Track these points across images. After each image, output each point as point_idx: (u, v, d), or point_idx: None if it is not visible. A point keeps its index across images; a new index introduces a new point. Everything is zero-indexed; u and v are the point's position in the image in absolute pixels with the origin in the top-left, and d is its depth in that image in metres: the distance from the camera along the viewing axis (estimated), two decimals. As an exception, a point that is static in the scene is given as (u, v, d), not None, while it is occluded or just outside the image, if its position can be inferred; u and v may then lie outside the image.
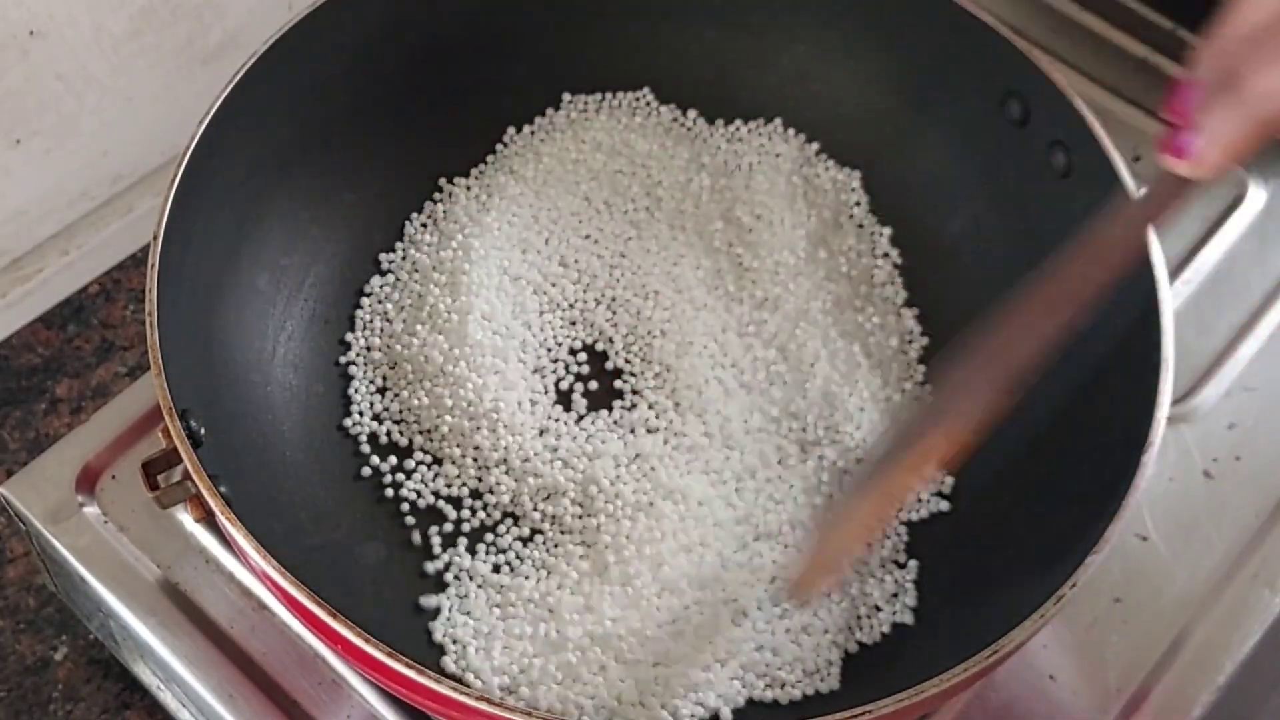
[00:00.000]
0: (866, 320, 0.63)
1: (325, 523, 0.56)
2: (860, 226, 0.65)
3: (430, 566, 0.56)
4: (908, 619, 0.55)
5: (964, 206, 0.64)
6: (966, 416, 0.46)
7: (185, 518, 0.59)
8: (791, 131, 0.67)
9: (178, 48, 0.72)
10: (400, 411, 0.60)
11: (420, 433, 0.59)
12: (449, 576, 0.56)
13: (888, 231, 0.65)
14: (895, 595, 0.56)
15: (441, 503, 0.57)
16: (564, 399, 0.61)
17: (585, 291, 0.64)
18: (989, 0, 0.63)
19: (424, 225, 0.65)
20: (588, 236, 0.65)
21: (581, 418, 0.60)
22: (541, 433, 0.59)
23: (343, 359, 0.61)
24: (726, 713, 0.52)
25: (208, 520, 0.51)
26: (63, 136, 0.71)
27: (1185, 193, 0.41)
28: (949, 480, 0.59)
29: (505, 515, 0.57)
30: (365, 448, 0.59)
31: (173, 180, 0.53)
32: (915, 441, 0.48)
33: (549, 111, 0.68)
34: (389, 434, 0.59)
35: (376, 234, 0.64)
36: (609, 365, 0.62)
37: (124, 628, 0.57)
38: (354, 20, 0.61)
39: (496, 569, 0.56)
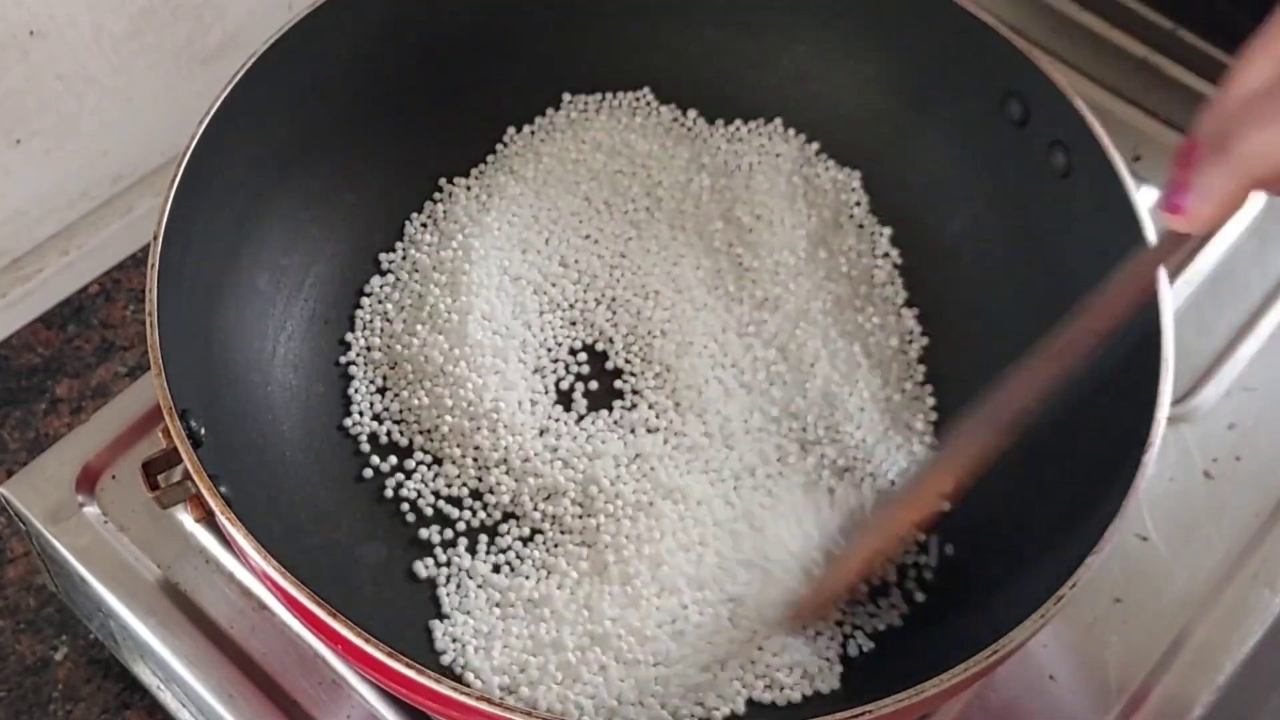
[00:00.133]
0: (866, 320, 0.63)
1: (325, 523, 0.56)
2: (860, 226, 0.65)
3: (430, 566, 0.56)
4: (907, 619, 0.55)
5: (964, 206, 0.64)
6: (968, 457, 0.49)
7: (185, 518, 0.59)
8: (791, 131, 0.67)
9: (178, 48, 0.73)
10: (400, 411, 0.60)
11: (420, 433, 0.59)
12: (449, 576, 0.56)
13: (888, 231, 0.65)
14: (895, 595, 0.56)
15: (441, 503, 0.57)
16: (564, 399, 0.61)
17: (585, 291, 0.64)
18: (989, 0, 0.63)
19: (424, 225, 0.65)
20: (588, 236, 0.65)
21: (581, 418, 0.60)
22: (541, 433, 0.59)
23: (343, 359, 0.61)
24: (726, 712, 0.52)
25: (208, 520, 0.51)
26: (63, 136, 0.71)
27: (1185, 246, 0.43)
28: (950, 480, 0.58)
29: (505, 515, 0.57)
30: (365, 448, 0.59)
31: (173, 180, 0.53)
32: (919, 481, 0.52)
33: (549, 111, 0.68)
34: (389, 434, 0.59)
35: (376, 234, 0.64)
36: (609, 365, 0.62)
37: (124, 628, 0.57)
38: (354, 20, 0.61)
39: (496, 569, 0.56)
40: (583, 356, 0.62)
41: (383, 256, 0.64)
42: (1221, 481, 0.62)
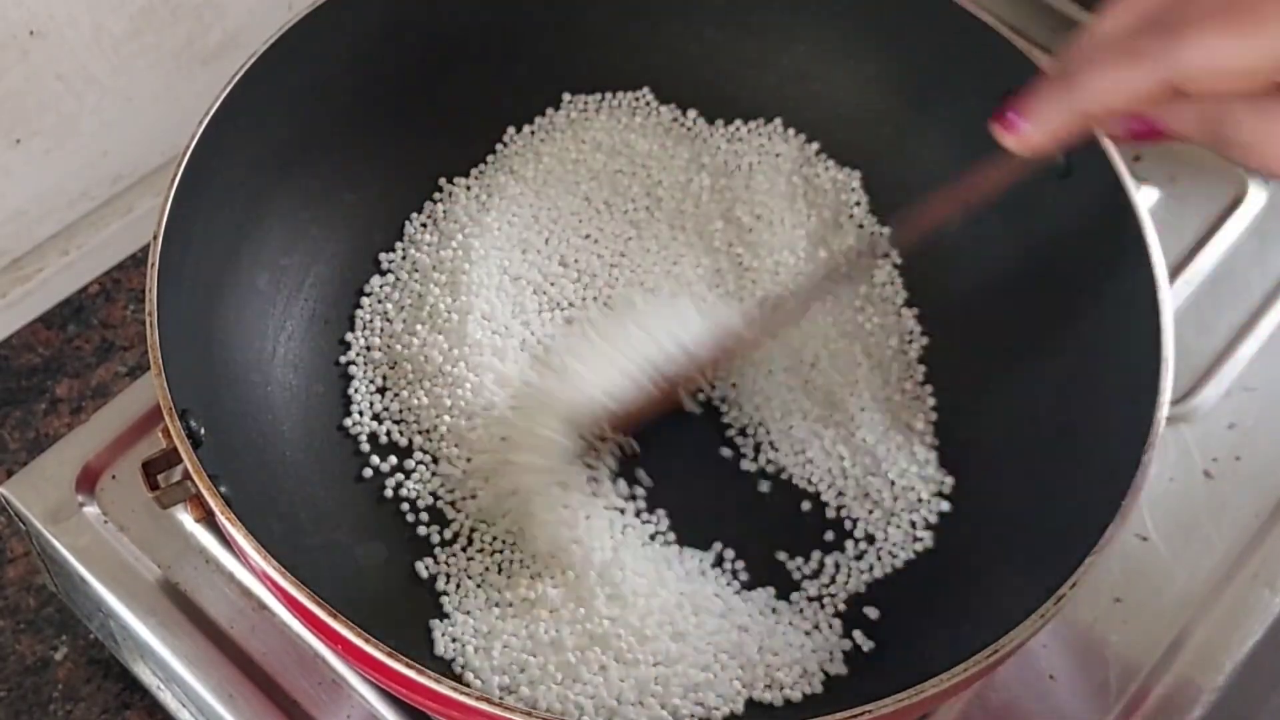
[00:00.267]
0: (866, 320, 0.63)
1: (325, 523, 0.56)
2: (860, 226, 0.65)
3: (430, 566, 0.56)
4: (907, 619, 0.55)
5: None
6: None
7: (185, 518, 0.59)
8: (791, 131, 0.67)
9: (178, 48, 0.72)
10: (400, 411, 0.60)
11: (420, 432, 0.59)
12: (448, 576, 0.56)
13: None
14: (895, 595, 0.56)
15: (441, 502, 0.57)
16: (564, 399, 0.61)
17: (585, 291, 0.64)
18: (989, 0, 0.63)
19: (424, 225, 0.65)
20: (588, 236, 0.65)
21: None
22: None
23: (343, 359, 0.61)
24: (726, 712, 0.52)
25: (208, 520, 0.51)
26: (63, 136, 0.71)
27: (1014, 166, 0.45)
28: (950, 480, 0.59)
29: (503, 515, 0.57)
30: (365, 447, 0.59)
31: (173, 180, 0.53)
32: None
33: (549, 111, 0.68)
34: (389, 434, 0.59)
35: (376, 234, 0.64)
36: (609, 365, 0.62)
37: (124, 628, 0.57)
38: (354, 20, 0.61)
39: (496, 569, 0.56)
40: (582, 356, 0.62)
41: (383, 256, 0.64)
42: (1221, 481, 0.62)
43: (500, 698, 0.51)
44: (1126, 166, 0.55)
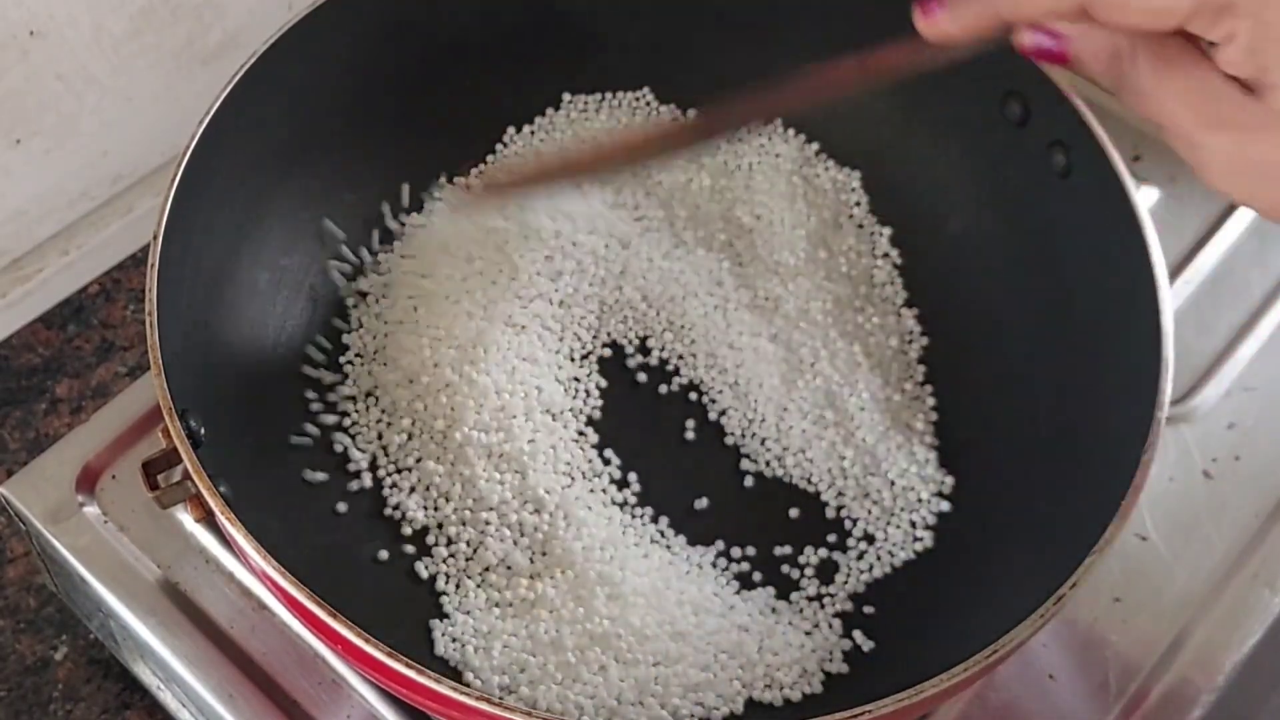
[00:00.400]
0: (866, 320, 0.63)
1: (325, 523, 0.56)
2: (860, 226, 0.65)
3: (429, 566, 0.56)
4: (907, 619, 0.55)
5: (964, 206, 0.64)
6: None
7: (185, 518, 0.59)
8: (791, 131, 0.67)
9: (178, 48, 0.72)
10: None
11: (415, 432, 0.59)
12: (448, 576, 0.56)
13: (888, 231, 0.65)
14: (895, 595, 0.56)
15: (440, 501, 0.57)
16: (561, 400, 0.60)
17: (585, 290, 0.63)
18: (989, 0, 0.63)
19: (424, 225, 0.65)
20: (591, 233, 0.65)
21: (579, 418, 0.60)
22: (534, 434, 0.59)
23: (342, 359, 0.61)
24: (726, 712, 0.52)
25: (208, 520, 0.51)
26: (63, 136, 0.71)
27: (925, 54, 0.44)
28: (950, 480, 0.59)
29: (501, 515, 0.57)
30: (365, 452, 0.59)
31: (173, 180, 0.53)
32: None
33: (549, 111, 0.68)
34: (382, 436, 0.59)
35: (377, 233, 0.64)
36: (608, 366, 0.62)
37: (124, 628, 0.57)
38: (354, 20, 0.61)
39: (496, 568, 0.56)
40: (580, 357, 0.62)
41: (382, 256, 0.64)
42: (1221, 481, 0.62)
43: (500, 698, 0.51)
44: (1126, 166, 0.55)
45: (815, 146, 0.67)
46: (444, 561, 0.56)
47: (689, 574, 0.56)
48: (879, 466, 0.59)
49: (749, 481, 0.59)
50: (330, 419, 0.59)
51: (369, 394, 0.60)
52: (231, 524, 0.46)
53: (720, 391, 0.61)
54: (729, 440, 0.60)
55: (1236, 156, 0.37)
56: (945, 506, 0.58)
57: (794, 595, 0.56)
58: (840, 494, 0.59)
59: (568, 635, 0.53)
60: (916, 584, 0.56)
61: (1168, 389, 0.50)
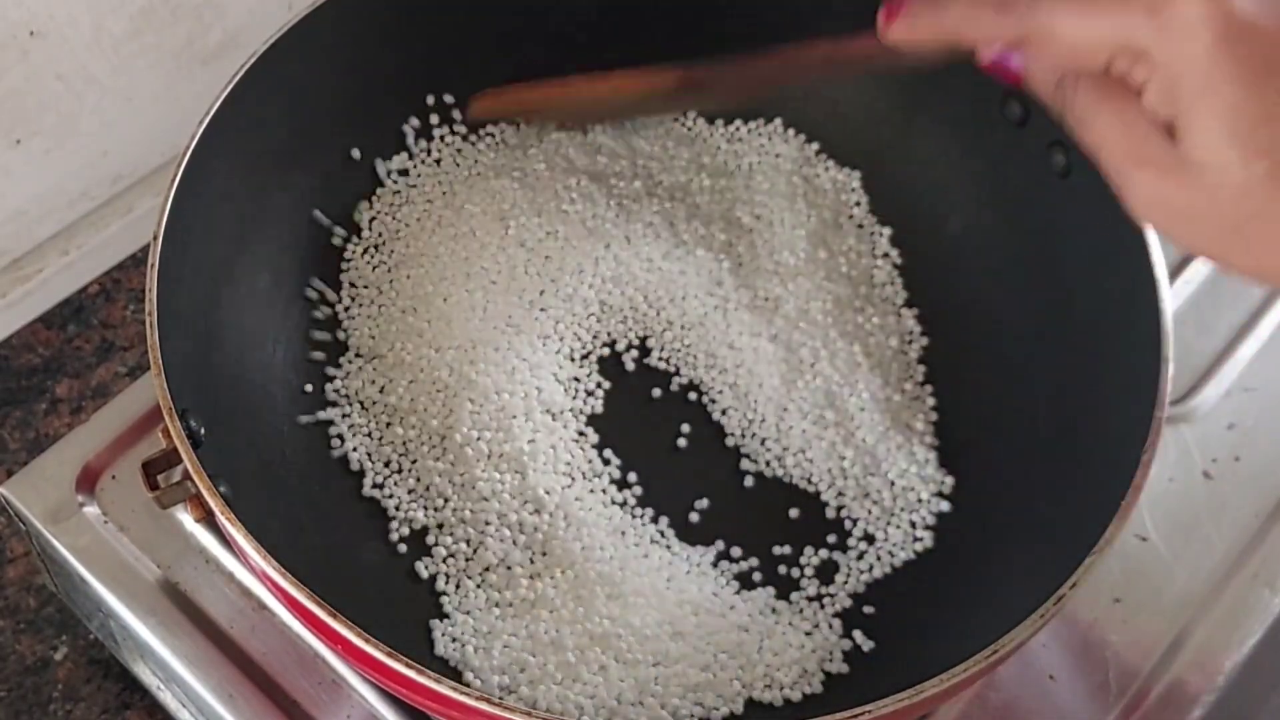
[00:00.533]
0: (866, 320, 0.63)
1: (325, 523, 0.56)
2: (860, 226, 0.65)
3: (429, 566, 0.56)
4: (907, 619, 0.55)
5: (964, 206, 0.64)
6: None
7: (185, 518, 0.59)
8: (791, 131, 0.67)
9: (178, 48, 0.72)
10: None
11: (416, 431, 0.59)
12: (448, 576, 0.56)
13: (888, 231, 0.65)
14: (895, 595, 0.56)
15: (440, 501, 0.57)
16: (560, 401, 0.61)
17: (585, 291, 0.63)
18: (989, 0, 0.63)
19: (424, 226, 0.65)
20: (590, 235, 0.65)
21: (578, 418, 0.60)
22: (534, 435, 0.59)
23: (342, 359, 0.61)
24: (726, 712, 0.52)
25: (208, 520, 0.51)
26: (63, 136, 0.71)
27: (886, 52, 0.46)
28: (950, 480, 0.59)
29: (501, 515, 0.57)
30: (366, 455, 0.59)
31: (173, 180, 0.53)
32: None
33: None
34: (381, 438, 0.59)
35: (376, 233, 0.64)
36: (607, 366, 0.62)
37: (124, 628, 0.57)
38: (354, 20, 0.61)
39: (496, 568, 0.56)
40: (580, 357, 0.62)
41: (383, 256, 0.64)
42: (1221, 481, 0.62)
43: (500, 698, 0.51)
44: (1126, 166, 0.55)
45: (815, 146, 0.67)
46: (444, 561, 0.56)
47: (689, 574, 0.56)
48: (879, 466, 0.59)
49: (749, 482, 0.59)
50: (330, 419, 0.59)
51: (369, 394, 0.60)
52: (231, 524, 0.46)
53: (720, 392, 0.61)
54: (729, 440, 0.60)
55: (1155, 193, 0.39)
56: (945, 506, 0.58)
57: (794, 595, 0.56)
58: (840, 494, 0.59)
59: (568, 635, 0.53)
60: (916, 584, 0.56)
61: (1168, 389, 0.50)
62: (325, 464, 0.58)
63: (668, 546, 0.57)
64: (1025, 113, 0.60)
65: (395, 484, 0.58)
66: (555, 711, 0.51)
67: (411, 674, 0.43)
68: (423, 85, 0.65)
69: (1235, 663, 0.57)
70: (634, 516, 0.57)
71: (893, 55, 0.46)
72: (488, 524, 0.56)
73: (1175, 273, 0.67)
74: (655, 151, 0.67)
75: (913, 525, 0.58)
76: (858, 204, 0.66)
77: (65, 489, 0.59)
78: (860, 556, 0.57)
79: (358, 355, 0.61)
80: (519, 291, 0.62)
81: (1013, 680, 0.56)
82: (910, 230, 0.65)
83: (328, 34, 0.60)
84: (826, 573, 0.57)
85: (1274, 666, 0.60)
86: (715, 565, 0.57)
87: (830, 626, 0.55)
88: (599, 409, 0.61)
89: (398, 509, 0.57)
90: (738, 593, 0.56)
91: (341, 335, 0.61)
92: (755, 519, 0.58)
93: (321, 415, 0.59)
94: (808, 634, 0.55)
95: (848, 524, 0.58)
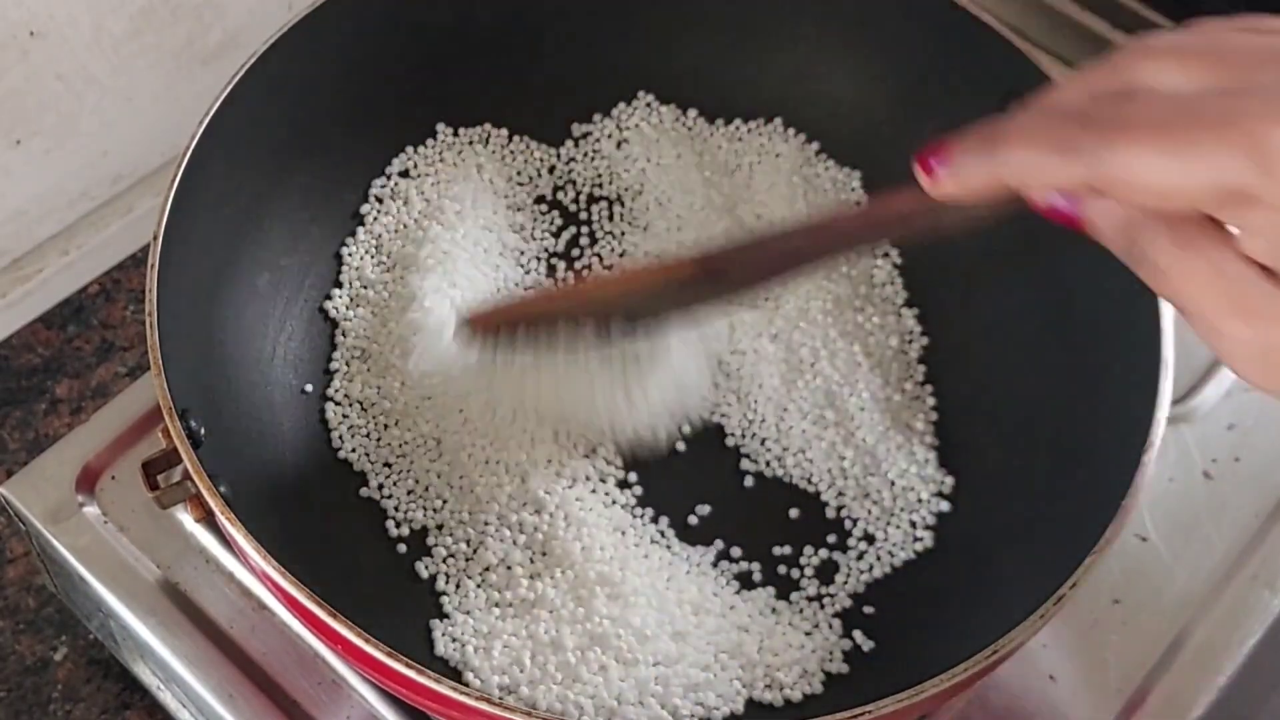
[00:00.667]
0: (866, 320, 0.63)
1: (325, 523, 0.56)
2: (860, 226, 0.65)
3: (429, 566, 0.56)
4: (907, 619, 0.55)
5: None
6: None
7: (185, 518, 0.59)
8: (791, 131, 0.67)
9: (178, 48, 0.72)
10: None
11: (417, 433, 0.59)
12: (448, 576, 0.56)
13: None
14: (895, 594, 0.56)
15: (440, 502, 0.57)
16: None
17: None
18: (989, 1, 0.63)
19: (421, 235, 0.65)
20: (590, 236, 0.65)
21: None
22: (535, 435, 0.59)
23: (342, 359, 0.61)
24: (726, 712, 0.52)
25: (208, 520, 0.51)
26: (63, 136, 0.71)
27: (929, 209, 0.42)
28: (950, 480, 0.59)
29: (500, 516, 0.57)
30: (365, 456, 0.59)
31: (173, 180, 0.53)
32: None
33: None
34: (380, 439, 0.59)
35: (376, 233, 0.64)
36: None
37: (124, 628, 0.57)
38: (354, 20, 0.61)
39: (496, 568, 0.56)
40: (582, 357, 0.62)
41: (383, 255, 0.64)
42: (1221, 482, 0.62)
43: (500, 698, 0.51)
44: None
45: (815, 146, 0.67)
46: (444, 561, 0.56)
47: (689, 574, 0.56)
48: (879, 466, 0.59)
49: (749, 482, 0.59)
50: (330, 419, 0.59)
51: (368, 395, 0.60)
52: (231, 524, 0.46)
53: (720, 391, 0.61)
54: (729, 440, 0.60)
55: (1261, 345, 0.35)
56: (945, 506, 0.58)
57: (794, 595, 0.56)
58: (840, 494, 0.59)
59: (568, 635, 0.53)
60: (916, 584, 0.56)
61: (1168, 389, 0.50)
62: (325, 464, 0.58)
63: (668, 547, 0.57)
64: (1025, 113, 0.60)
65: (395, 485, 0.58)
66: (555, 711, 0.51)
67: (411, 674, 0.43)
68: (423, 85, 0.65)
69: (1235, 663, 0.57)
70: (634, 516, 0.57)
71: (937, 213, 0.42)
72: (488, 524, 0.56)
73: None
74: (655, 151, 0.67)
75: (913, 525, 0.58)
76: (858, 204, 0.66)
77: (65, 489, 0.59)
78: (860, 556, 0.57)
79: (357, 356, 0.61)
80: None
81: (1013, 680, 0.56)
82: (910, 230, 0.65)
83: (328, 34, 0.60)
84: (826, 573, 0.57)
85: (1274, 666, 0.60)
86: (715, 565, 0.57)
87: (830, 626, 0.55)
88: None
89: (397, 509, 0.57)
90: (738, 593, 0.56)
91: (341, 336, 0.61)
92: (755, 519, 0.58)
93: (322, 415, 0.59)
94: (808, 634, 0.55)
95: (848, 524, 0.58)
